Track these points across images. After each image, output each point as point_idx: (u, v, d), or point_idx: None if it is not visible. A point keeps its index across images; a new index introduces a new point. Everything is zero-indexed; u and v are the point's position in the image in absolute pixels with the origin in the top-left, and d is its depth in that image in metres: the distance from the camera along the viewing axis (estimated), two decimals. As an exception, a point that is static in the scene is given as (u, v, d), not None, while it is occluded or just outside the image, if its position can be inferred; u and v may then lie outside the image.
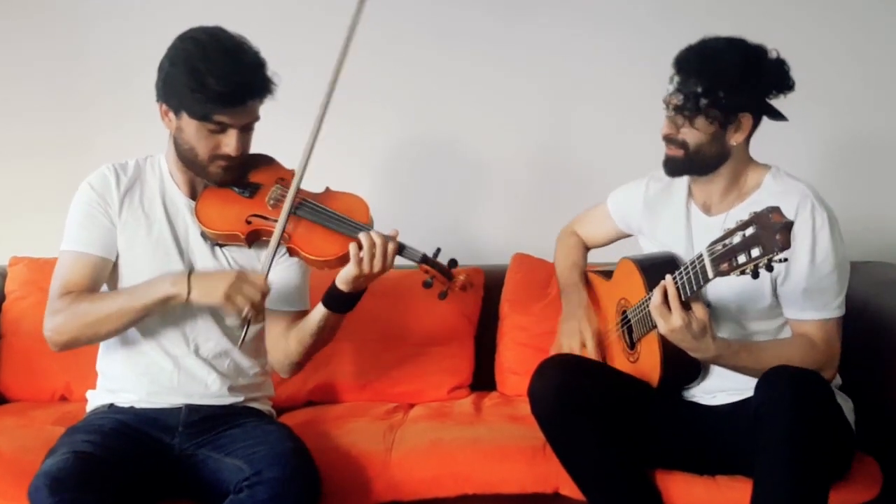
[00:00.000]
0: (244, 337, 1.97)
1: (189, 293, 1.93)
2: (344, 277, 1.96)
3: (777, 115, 2.04)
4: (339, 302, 2.02)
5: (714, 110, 1.97)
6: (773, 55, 2.00)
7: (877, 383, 2.19)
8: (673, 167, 2.08)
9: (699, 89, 1.96)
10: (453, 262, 1.99)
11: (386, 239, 1.93)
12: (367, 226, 2.00)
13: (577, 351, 2.25)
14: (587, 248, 2.49)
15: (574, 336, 2.27)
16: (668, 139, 2.06)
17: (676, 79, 2.01)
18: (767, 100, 2.01)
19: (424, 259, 1.97)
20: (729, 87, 1.95)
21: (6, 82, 3.02)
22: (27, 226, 2.93)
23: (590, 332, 2.26)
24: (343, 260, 1.96)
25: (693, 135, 2.01)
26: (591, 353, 2.24)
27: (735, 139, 2.02)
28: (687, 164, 2.06)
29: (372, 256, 1.91)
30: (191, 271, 1.98)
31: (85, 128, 3.00)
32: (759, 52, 1.99)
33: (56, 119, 3.01)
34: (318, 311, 2.04)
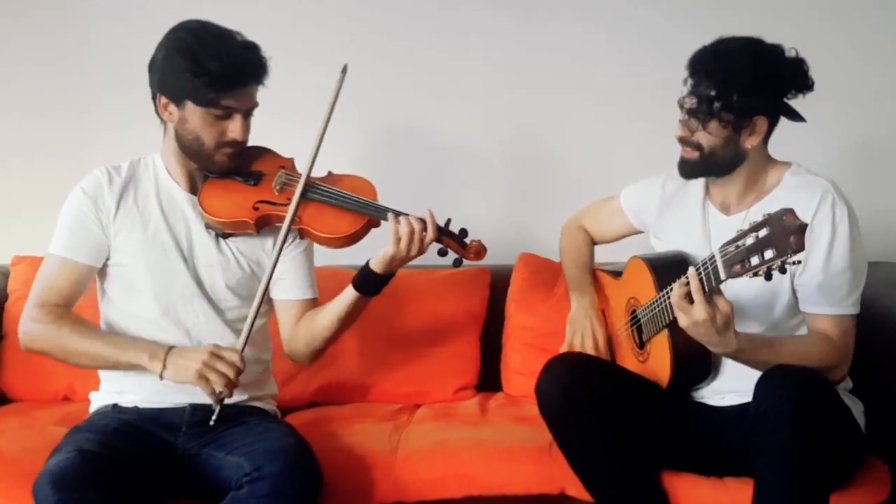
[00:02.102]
0: (214, 417, 1.95)
1: (163, 371, 1.95)
2: (381, 259, 2.01)
3: (795, 116, 2.01)
4: (371, 284, 2.05)
5: (727, 114, 1.94)
6: (791, 54, 1.97)
7: (887, 385, 2.18)
8: (688, 169, 2.06)
9: (712, 93, 1.93)
10: (464, 232, 2.05)
11: (424, 224, 1.98)
12: (377, 203, 2.06)
13: (589, 349, 2.24)
14: (594, 244, 2.47)
15: (588, 335, 2.25)
16: (683, 141, 2.03)
17: (690, 81, 1.98)
18: (785, 100, 1.99)
19: (438, 229, 2.02)
20: (741, 90, 1.93)
21: (8, 83, 3.01)
22: (29, 225, 2.89)
23: (602, 334, 2.25)
24: (355, 237, 2.03)
25: (706, 138, 1.99)
26: (602, 354, 2.23)
27: (750, 142, 2.00)
28: (702, 166, 2.03)
29: (411, 241, 1.96)
30: (170, 348, 1.98)
31: (87, 128, 3.00)
32: (774, 52, 1.97)
33: (58, 119, 3.00)
34: (348, 295, 2.07)
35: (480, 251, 2.05)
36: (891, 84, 2.93)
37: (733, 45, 1.98)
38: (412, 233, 1.97)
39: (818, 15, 2.90)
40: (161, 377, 1.95)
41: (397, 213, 2.00)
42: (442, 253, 2.04)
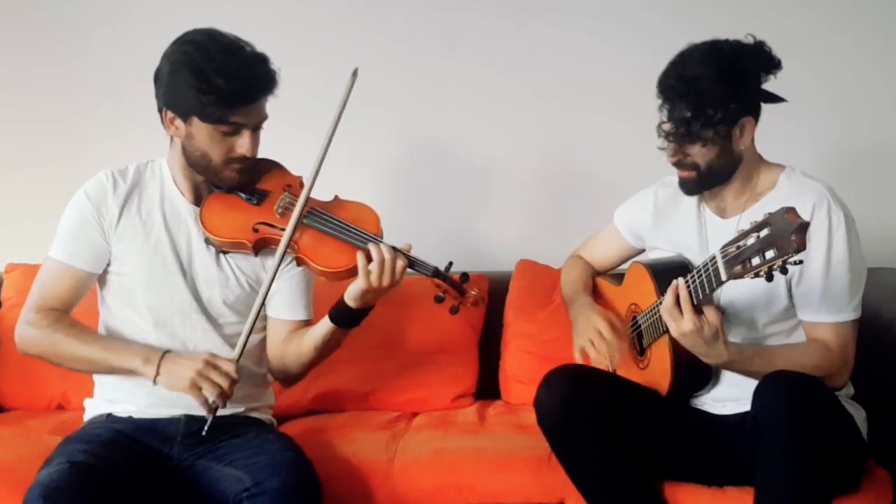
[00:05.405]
0: (206, 427, 1.91)
1: (156, 376, 1.93)
2: (352, 293, 1.94)
3: (774, 99, 2.00)
4: (346, 317, 2.00)
5: (708, 130, 1.93)
6: (749, 40, 1.96)
7: (890, 392, 2.16)
8: (690, 187, 2.04)
9: (688, 114, 1.91)
10: (465, 277, 1.97)
11: (395, 253, 1.91)
12: (377, 236, 1.97)
13: (594, 342, 2.13)
14: (594, 271, 2.42)
15: (588, 329, 2.15)
16: (678, 164, 2.01)
17: (665, 106, 1.96)
18: (761, 87, 1.98)
19: (436, 273, 1.95)
20: (715, 103, 1.91)
21: (4, 88, 3.00)
22: (24, 232, 2.91)
23: (601, 320, 2.15)
24: (353, 272, 1.93)
25: (701, 155, 1.97)
26: (607, 335, 2.12)
27: (742, 144, 1.99)
28: (703, 181, 2.02)
29: (381, 272, 1.89)
30: (165, 352, 1.96)
31: (83, 134, 2.99)
32: (735, 52, 1.95)
33: (54, 125, 2.99)
34: (324, 325, 2.02)
35: (479, 301, 1.97)
36: (890, 87, 2.92)
37: (693, 59, 1.95)
38: (382, 262, 1.89)
39: (818, 15, 2.89)
40: (154, 382, 1.93)
41: (378, 244, 1.92)
42: (438, 300, 1.96)
